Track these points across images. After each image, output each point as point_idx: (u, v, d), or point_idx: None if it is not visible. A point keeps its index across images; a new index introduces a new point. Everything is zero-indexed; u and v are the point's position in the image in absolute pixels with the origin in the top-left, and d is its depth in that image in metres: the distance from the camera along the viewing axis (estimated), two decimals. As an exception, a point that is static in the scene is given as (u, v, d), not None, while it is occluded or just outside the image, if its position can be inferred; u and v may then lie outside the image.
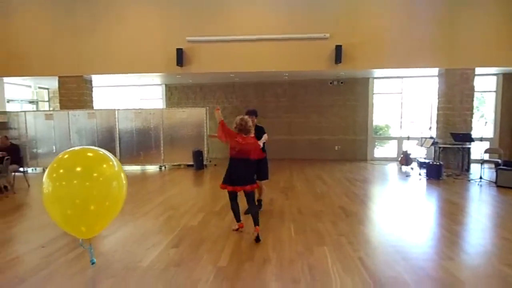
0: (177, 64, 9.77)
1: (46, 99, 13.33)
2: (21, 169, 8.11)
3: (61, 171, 1.97)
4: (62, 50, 10.16)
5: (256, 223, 4.30)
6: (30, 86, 12.65)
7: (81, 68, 10.29)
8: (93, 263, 2.16)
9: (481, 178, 7.89)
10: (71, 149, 2.13)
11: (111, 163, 2.11)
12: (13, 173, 7.70)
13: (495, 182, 7.46)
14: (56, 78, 10.58)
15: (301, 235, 4.50)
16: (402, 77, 11.56)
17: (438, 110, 10.19)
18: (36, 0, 10.13)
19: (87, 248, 2.10)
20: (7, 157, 7.21)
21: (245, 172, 4.29)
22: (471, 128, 9.63)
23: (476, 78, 9.68)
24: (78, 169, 2.00)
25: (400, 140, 11.71)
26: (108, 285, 3.19)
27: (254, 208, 4.43)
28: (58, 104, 11.33)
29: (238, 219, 4.66)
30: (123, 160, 10.57)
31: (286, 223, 5.05)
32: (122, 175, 2.19)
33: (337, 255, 3.84)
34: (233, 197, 4.49)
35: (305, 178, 8.72)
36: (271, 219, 5.26)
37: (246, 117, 4.43)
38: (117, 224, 5.11)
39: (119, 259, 3.84)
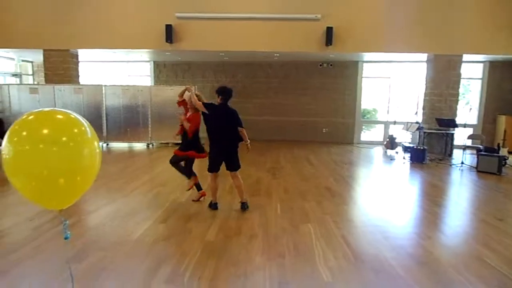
0: (166, 41, 9.60)
1: (30, 72, 12.99)
2: (5, 143, 7.97)
3: (24, 133, 1.77)
4: (48, 23, 9.84)
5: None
6: (13, 59, 12.28)
7: (67, 42, 10.00)
8: (66, 238, 2.08)
9: (462, 163, 8.12)
10: (38, 110, 1.94)
11: (83, 128, 1.89)
12: (-3, 147, 7.56)
13: (476, 167, 7.69)
14: (41, 51, 10.29)
15: (287, 213, 4.62)
16: (391, 62, 11.64)
17: (424, 95, 10.35)
18: (20, -32, 9.73)
19: (63, 221, 2.03)
20: (-9, 130, 7.08)
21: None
22: (455, 114, 9.84)
23: (463, 65, 9.82)
24: (45, 131, 1.75)
25: (386, 124, 11.89)
26: (98, 257, 3.25)
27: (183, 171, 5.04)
28: (42, 78, 11.06)
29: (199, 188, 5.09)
30: (110, 137, 10.49)
31: (273, 201, 5.16)
32: (96, 143, 1.95)
33: (321, 232, 3.97)
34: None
35: (293, 159, 8.83)
36: (258, 197, 5.36)
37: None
38: (105, 200, 5.14)
39: (108, 232, 3.89)
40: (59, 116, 1.85)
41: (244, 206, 4.70)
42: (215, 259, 3.26)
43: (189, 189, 5.15)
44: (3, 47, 10.35)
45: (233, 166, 4.67)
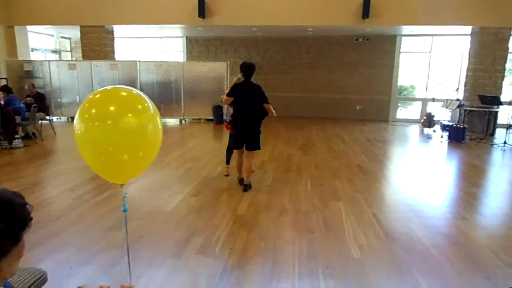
0: (199, 16, 9.57)
1: (69, 49, 13.43)
2: (47, 117, 8.39)
3: (93, 111, 1.84)
4: (84, 0, 10.08)
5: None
6: (52, 36, 12.72)
7: (103, 18, 10.22)
8: (124, 211, 2.18)
9: (505, 143, 7.70)
10: (103, 88, 1.98)
11: (146, 104, 1.94)
12: (40, 121, 7.99)
13: (520, 148, 7.29)
14: (78, 28, 10.58)
15: (317, 190, 4.61)
16: (431, 35, 11.01)
17: (467, 71, 9.78)
18: None
19: (123, 193, 2.13)
20: (34, 105, 7.45)
21: None
22: (500, 92, 9.26)
23: (511, 38, 9.14)
24: (111, 108, 1.86)
25: (424, 101, 11.41)
26: (135, 225, 3.40)
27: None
28: (80, 54, 11.42)
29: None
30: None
31: (304, 178, 5.15)
32: (158, 119, 2.04)
33: (351, 209, 3.94)
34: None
35: (325, 136, 8.72)
36: (289, 173, 5.37)
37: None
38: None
39: (144, 203, 4.05)
40: (123, 93, 1.93)
41: (246, 188, 4.50)
42: (246, 232, 3.33)
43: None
44: (43, 24, 10.73)
45: (252, 145, 4.49)
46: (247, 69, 4.35)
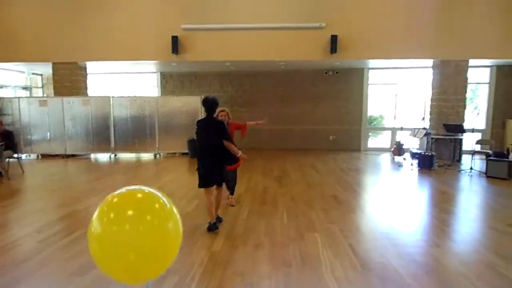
0: (172, 52, 9.72)
1: (40, 85, 13.21)
2: (15, 155, 8.09)
3: (112, 215, 1.79)
4: (56, 36, 10.06)
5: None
6: (23, 72, 12.52)
7: (75, 55, 10.20)
8: None
9: (471, 168, 8.02)
10: (118, 191, 1.92)
11: (162, 201, 1.89)
12: (7, 159, 7.69)
13: (485, 173, 7.59)
14: (50, 64, 10.49)
15: (293, 222, 4.60)
16: (397, 68, 11.61)
17: (431, 101, 10.28)
18: (29, -15, 9.98)
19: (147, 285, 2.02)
20: (1, 143, 7.20)
21: None
22: (463, 120, 9.75)
23: (470, 70, 9.76)
24: (130, 212, 1.76)
25: (393, 130, 11.82)
26: (103, 268, 3.25)
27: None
28: (52, 91, 11.25)
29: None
30: (118, 148, 10.58)
31: (279, 210, 5.14)
32: (175, 211, 1.91)
33: (327, 241, 3.94)
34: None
35: (299, 167, 8.81)
36: (264, 206, 5.35)
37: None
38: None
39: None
40: (139, 195, 1.87)
41: (211, 227, 4.24)
42: (221, 269, 3.25)
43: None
44: (13, 61, 10.57)
45: (215, 181, 4.32)
46: (206, 104, 4.23)
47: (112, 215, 1.75)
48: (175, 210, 1.93)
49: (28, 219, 4.74)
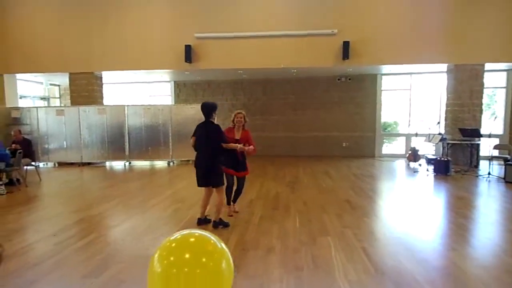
0: (186, 61, 9.86)
1: (57, 95, 13.55)
2: (33, 163, 8.28)
3: (172, 258, 1.88)
4: (73, 47, 10.35)
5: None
6: (41, 83, 12.87)
7: (91, 65, 10.46)
8: None
9: (489, 174, 7.82)
10: (174, 236, 2.03)
11: (212, 241, 1.97)
12: (25, 167, 7.87)
13: (504, 178, 7.40)
14: (67, 75, 10.77)
15: (305, 226, 4.55)
16: (410, 73, 11.49)
17: (446, 106, 10.12)
18: (48, -2, 10.34)
19: None
20: (19, 151, 7.38)
21: None
22: (480, 124, 9.54)
23: (486, 74, 9.59)
24: (187, 256, 1.90)
25: (408, 136, 11.65)
26: (116, 270, 3.28)
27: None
28: (69, 101, 11.52)
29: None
30: (132, 156, 10.72)
31: (292, 214, 5.10)
32: (224, 247, 2.05)
33: (340, 245, 3.88)
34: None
35: (312, 173, 8.74)
36: (277, 210, 5.32)
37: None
38: (124, 216, 5.23)
39: (127, 247, 3.93)
40: (192, 239, 1.98)
41: (215, 225, 4.47)
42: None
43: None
44: (33, 71, 10.90)
45: (212, 182, 4.51)
46: (204, 109, 4.48)
47: (172, 259, 1.84)
48: (225, 247, 2.01)
49: (44, 223, 4.82)
